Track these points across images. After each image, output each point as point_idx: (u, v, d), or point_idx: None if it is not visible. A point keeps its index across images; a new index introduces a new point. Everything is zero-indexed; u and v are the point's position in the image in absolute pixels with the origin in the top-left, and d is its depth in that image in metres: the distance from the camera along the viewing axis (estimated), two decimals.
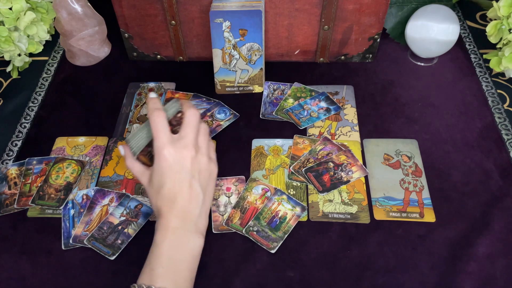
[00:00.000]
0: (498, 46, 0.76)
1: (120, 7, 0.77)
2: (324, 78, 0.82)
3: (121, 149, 0.60)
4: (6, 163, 0.71)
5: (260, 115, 0.76)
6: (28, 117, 0.77)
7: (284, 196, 0.65)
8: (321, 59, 0.83)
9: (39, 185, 0.67)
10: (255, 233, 0.62)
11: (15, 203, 0.66)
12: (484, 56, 0.81)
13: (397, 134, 0.73)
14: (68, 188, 0.67)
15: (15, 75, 0.84)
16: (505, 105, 0.77)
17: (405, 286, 0.57)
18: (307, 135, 0.73)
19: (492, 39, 0.76)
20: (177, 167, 0.55)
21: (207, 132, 0.60)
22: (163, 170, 0.55)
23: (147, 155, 0.60)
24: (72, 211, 0.65)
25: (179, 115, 0.59)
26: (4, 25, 0.76)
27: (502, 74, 0.81)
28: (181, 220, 0.54)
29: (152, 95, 0.59)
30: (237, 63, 0.75)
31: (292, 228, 0.62)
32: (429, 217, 0.63)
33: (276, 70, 0.82)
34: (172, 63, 0.85)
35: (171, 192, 0.54)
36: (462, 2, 0.93)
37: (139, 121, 0.76)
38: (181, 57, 0.84)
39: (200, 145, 0.58)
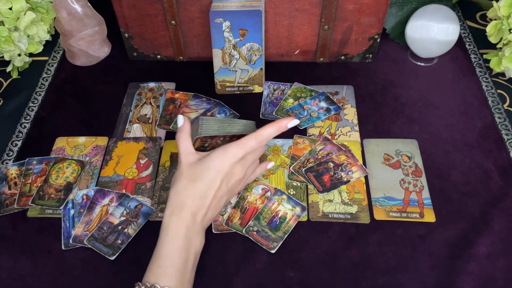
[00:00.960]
0: (498, 46, 0.76)
1: (120, 7, 0.77)
2: (324, 78, 0.82)
3: (181, 118, 0.59)
4: (6, 163, 0.71)
5: (260, 115, 0.76)
6: (28, 117, 0.77)
7: (284, 196, 0.65)
8: (321, 59, 0.83)
9: (39, 185, 0.67)
10: (255, 233, 0.62)
11: (15, 203, 0.66)
12: (484, 56, 0.81)
13: (397, 134, 0.73)
14: (68, 188, 0.67)
15: (15, 75, 0.84)
16: (505, 105, 0.77)
17: (405, 286, 0.57)
18: (307, 135, 0.73)
19: (492, 39, 0.76)
20: (225, 177, 0.56)
21: (261, 172, 0.63)
22: (214, 168, 0.55)
23: (202, 144, 0.59)
24: (72, 211, 0.65)
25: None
26: (4, 25, 0.76)
27: (502, 74, 0.81)
28: (195, 220, 0.54)
29: (291, 124, 0.59)
30: (237, 63, 0.75)
31: (292, 228, 0.62)
32: (429, 217, 0.63)
33: (276, 70, 0.82)
34: (172, 63, 0.85)
35: (205, 190, 0.54)
36: (462, 2, 0.93)
37: (139, 121, 0.76)
38: (181, 57, 0.84)
39: (247, 171, 0.59)
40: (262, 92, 0.79)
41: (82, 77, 0.84)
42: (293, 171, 0.68)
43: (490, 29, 0.74)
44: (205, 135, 0.58)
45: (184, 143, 0.58)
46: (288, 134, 0.73)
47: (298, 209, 0.64)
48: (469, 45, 0.87)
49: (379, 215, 0.64)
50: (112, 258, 0.60)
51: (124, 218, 0.63)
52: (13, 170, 0.70)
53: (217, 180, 0.55)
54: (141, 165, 0.70)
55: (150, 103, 0.78)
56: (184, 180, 0.55)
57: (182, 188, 0.54)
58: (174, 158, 0.71)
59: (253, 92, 0.80)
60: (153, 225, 0.63)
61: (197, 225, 0.54)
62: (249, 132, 0.59)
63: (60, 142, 0.74)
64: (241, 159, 0.56)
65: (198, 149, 0.59)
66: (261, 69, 0.77)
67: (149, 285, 0.49)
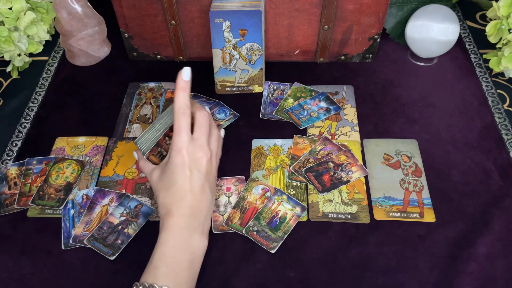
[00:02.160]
0: (497, 46, 0.76)
1: (120, 7, 0.77)
2: (324, 78, 0.82)
3: (135, 154, 0.64)
4: (6, 163, 0.71)
5: (260, 115, 0.76)
6: (28, 117, 0.77)
7: (284, 196, 0.65)
8: (321, 59, 0.83)
9: (39, 185, 0.67)
10: (255, 233, 0.62)
11: (15, 203, 0.66)
12: (484, 56, 0.81)
13: (397, 134, 0.73)
14: (68, 188, 0.67)
15: (15, 75, 0.84)
16: (505, 105, 0.77)
17: (405, 286, 0.57)
18: (307, 135, 0.73)
19: (492, 39, 0.76)
20: (192, 166, 0.55)
21: (219, 137, 0.61)
22: (178, 167, 0.55)
23: (157, 155, 0.61)
24: (72, 211, 0.65)
25: (167, 140, 0.62)
26: (4, 25, 0.76)
27: (502, 74, 0.81)
28: (189, 219, 0.54)
29: (186, 75, 0.58)
30: (237, 63, 0.75)
31: (292, 228, 0.62)
32: (429, 217, 0.63)
33: (276, 70, 0.82)
34: (172, 63, 0.85)
35: (182, 190, 0.55)
36: (462, 2, 0.94)
37: (139, 121, 0.76)
38: (181, 57, 0.84)
39: (211, 147, 0.58)
40: (262, 92, 0.79)
41: (82, 77, 0.84)
42: (293, 171, 0.68)
43: (489, 29, 0.74)
44: (148, 150, 0.60)
45: (145, 167, 0.61)
46: (288, 134, 0.73)
47: (298, 209, 0.64)
48: (469, 45, 0.87)
49: (379, 215, 0.64)
50: (112, 258, 0.60)
51: (124, 218, 0.63)
52: (13, 170, 0.70)
53: (185, 173, 0.55)
54: None
55: (150, 103, 0.78)
56: (161, 194, 0.56)
57: (163, 201, 0.56)
58: None
59: (253, 92, 0.80)
60: (153, 225, 0.63)
61: (191, 224, 0.54)
62: (165, 131, 0.61)
63: (60, 142, 0.74)
64: (189, 141, 0.56)
65: (160, 159, 0.61)
66: (261, 69, 0.77)
67: (147, 285, 0.49)
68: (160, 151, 0.61)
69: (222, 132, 0.65)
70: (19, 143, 0.74)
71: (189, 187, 0.55)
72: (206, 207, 0.56)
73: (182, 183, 0.55)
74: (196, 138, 0.57)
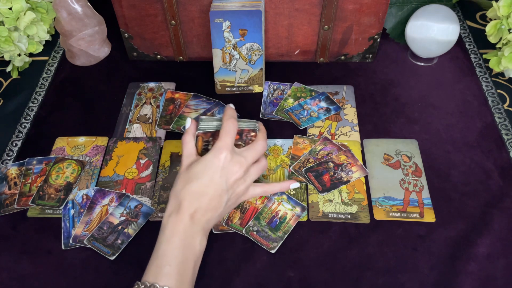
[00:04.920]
0: (497, 46, 0.76)
1: (120, 7, 0.77)
2: (324, 78, 0.82)
3: (189, 121, 0.61)
4: (6, 163, 0.71)
5: (260, 115, 0.76)
6: (28, 117, 0.77)
7: (284, 196, 0.65)
8: (321, 59, 0.83)
9: (39, 185, 0.67)
10: (255, 233, 0.62)
11: (15, 203, 0.66)
12: (484, 56, 0.81)
13: (397, 134, 0.73)
14: (68, 188, 0.67)
15: (15, 75, 0.84)
16: (505, 105, 0.77)
17: (405, 286, 0.57)
18: (307, 135, 0.73)
19: (492, 39, 0.76)
20: (222, 173, 0.55)
21: (263, 169, 0.60)
22: (210, 166, 0.55)
23: (204, 143, 0.59)
24: (72, 211, 0.65)
25: (252, 134, 0.60)
26: (4, 25, 0.76)
27: (502, 74, 0.81)
28: (194, 220, 0.53)
29: (232, 106, 0.61)
30: (237, 63, 0.75)
31: (292, 228, 0.62)
32: (429, 217, 0.63)
33: (276, 70, 0.82)
34: (172, 63, 0.85)
35: (201, 189, 0.54)
36: (462, 2, 0.94)
37: (139, 121, 0.76)
38: (181, 57, 0.84)
39: (250, 173, 0.58)
40: (262, 92, 0.79)
41: (82, 77, 0.84)
42: (293, 171, 0.68)
43: (489, 29, 0.74)
44: (204, 131, 0.58)
45: (187, 145, 0.59)
46: (288, 134, 0.73)
47: (298, 209, 0.64)
48: (469, 45, 0.87)
49: (379, 215, 0.64)
50: (112, 258, 0.60)
51: (124, 218, 0.63)
52: (13, 170, 0.70)
53: (214, 176, 0.55)
54: (141, 165, 0.70)
55: (150, 103, 0.78)
56: (181, 182, 0.55)
57: (179, 190, 0.55)
58: (174, 158, 0.71)
59: (253, 92, 0.80)
60: (153, 225, 0.63)
61: (196, 225, 0.53)
62: (249, 128, 0.60)
63: (60, 142, 0.74)
64: (232, 148, 0.56)
65: (202, 150, 0.60)
66: (261, 69, 0.77)
67: (148, 285, 0.49)
68: (209, 142, 0.60)
69: (296, 185, 0.63)
70: (19, 143, 0.74)
71: (209, 190, 0.54)
72: (213, 216, 0.55)
73: (205, 183, 0.54)
74: (240, 153, 0.57)
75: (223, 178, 0.55)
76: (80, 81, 0.83)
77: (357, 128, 0.74)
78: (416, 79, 0.81)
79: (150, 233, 0.62)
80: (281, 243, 0.61)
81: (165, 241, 0.52)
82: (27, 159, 0.70)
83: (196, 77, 0.83)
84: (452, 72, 0.82)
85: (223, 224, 0.63)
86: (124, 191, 0.67)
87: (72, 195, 0.66)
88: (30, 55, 0.87)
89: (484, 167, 0.68)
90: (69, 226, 0.63)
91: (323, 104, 0.77)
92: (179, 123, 0.75)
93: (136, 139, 0.73)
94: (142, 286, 0.49)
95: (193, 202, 0.54)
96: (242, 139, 0.60)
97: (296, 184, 0.62)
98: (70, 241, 0.62)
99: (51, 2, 0.81)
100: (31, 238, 0.63)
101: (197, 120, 0.61)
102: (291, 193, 0.66)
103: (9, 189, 0.67)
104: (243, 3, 0.70)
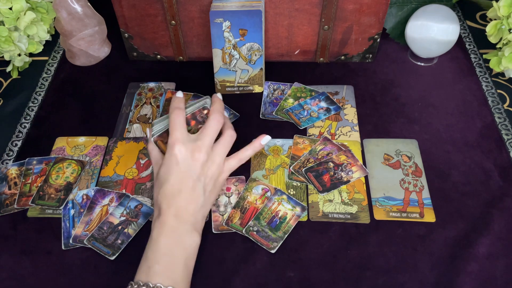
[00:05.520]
0: (498, 46, 0.76)
1: (120, 7, 0.77)
2: (324, 78, 0.82)
3: (148, 131, 0.62)
4: (6, 163, 0.71)
5: (260, 115, 0.76)
6: (28, 117, 0.77)
7: (284, 196, 0.65)
8: (321, 59, 0.83)
9: (39, 185, 0.67)
10: (255, 233, 0.62)
11: (15, 203, 0.66)
12: (484, 56, 0.81)
13: (397, 134, 0.73)
14: (68, 188, 0.67)
15: (15, 75, 0.84)
16: (505, 105, 0.77)
17: (405, 286, 0.57)
18: (307, 135, 0.73)
19: (492, 39, 0.76)
20: (184, 166, 0.55)
21: (230, 140, 0.59)
22: (170, 166, 0.55)
23: (166, 144, 0.60)
24: (72, 211, 0.65)
25: (204, 112, 0.59)
26: (4, 25, 0.76)
27: (502, 74, 0.81)
28: (178, 219, 0.54)
29: (179, 94, 0.61)
30: (237, 63, 0.75)
31: (292, 228, 0.62)
32: (429, 217, 0.63)
33: (276, 70, 0.82)
34: (172, 63, 0.85)
35: (173, 189, 0.55)
36: (462, 2, 0.94)
37: (139, 121, 0.76)
38: (181, 57, 0.84)
39: (216, 151, 0.58)
40: (262, 92, 0.79)
41: (82, 77, 0.84)
42: (293, 171, 0.68)
43: (490, 29, 0.74)
44: (158, 134, 0.60)
45: (152, 153, 0.61)
46: (288, 134, 0.73)
47: (298, 209, 0.64)
48: (469, 45, 0.87)
49: (379, 215, 0.64)
50: (112, 258, 0.60)
51: (124, 218, 0.63)
52: (13, 170, 0.70)
53: (178, 172, 0.55)
54: (141, 165, 0.70)
55: (150, 103, 0.78)
56: (156, 189, 0.57)
57: (156, 196, 0.56)
58: None
59: (253, 92, 0.80)
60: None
61: (183, 223, 0.54)
62: (200, 107, 0.61)
63: (60, 142, 0.74)
64: (183, 139, 0.56)
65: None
66: (261, 69, 0.77)
67: (142, 284, 0.49)
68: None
69: (267, 139, 0.63)
70: (19, 143, 0.74)
71: (179, 187, 0.55)
72: (197, 209, 0.55)
73: (173, 182, 0.55)
74: (196, 138, 0.57)
75: (188, 170, 0.55)
76: (80, 81, 0.83)
77: (357, 128, 0.74)
78: (416, 79, 0.81)
79: (150, 233, 0.62)
80: (281, 243, 0.61)
81: (152, 243, 0.53)
82: (27, 159, 0.70)
83: (196, 77, 0.83)
84: (452, 72, 0.82)
85: (223, 224, 0.63)
86: (124, 191, 0.67)
87: (72, 195, 0.66)
88: (30, 55, 0.87)
89: (484, 167, 0.68)
90: (69, 226, 0.63)
91: (323, 104, 0.77)
92: None
93: (136, 139, 0.73)
94: (136, 286, 0.49)
95: (171, 202, 0.54)
96: (199, 121, 0.59)
97: (267, 138, 0.62)
98: (70, 241, 0.62)
99: (51, 2, 0.81)
100: (31, 238, 0.63)
101: (152, 124, 0.63)
102: (291, 193, 0.66)
103: (9, 189, 0.67)
104: (243, 3, 0.70)
